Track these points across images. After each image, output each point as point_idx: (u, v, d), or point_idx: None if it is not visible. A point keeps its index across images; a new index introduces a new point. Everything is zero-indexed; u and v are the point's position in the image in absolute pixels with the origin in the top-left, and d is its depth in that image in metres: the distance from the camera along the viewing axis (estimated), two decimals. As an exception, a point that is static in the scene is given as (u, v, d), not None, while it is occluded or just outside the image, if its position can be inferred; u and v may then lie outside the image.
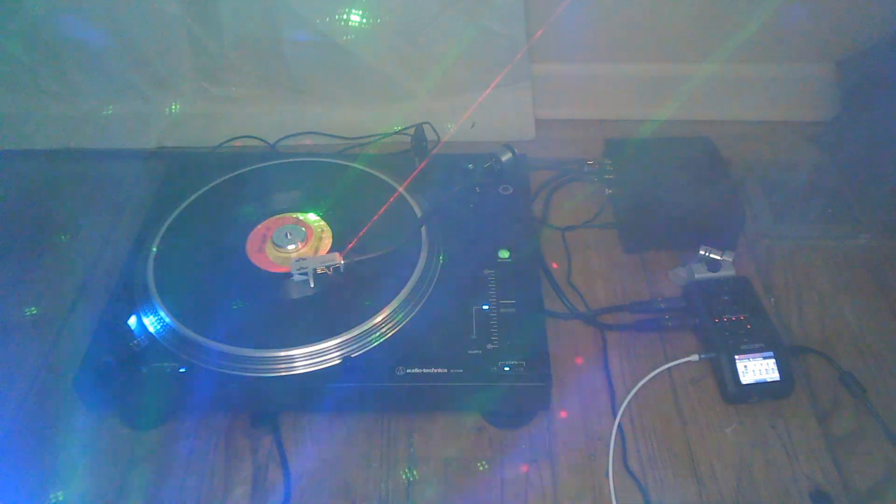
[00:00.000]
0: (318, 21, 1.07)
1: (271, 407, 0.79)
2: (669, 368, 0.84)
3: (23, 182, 1.12)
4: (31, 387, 0.84)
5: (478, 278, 0.83)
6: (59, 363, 0.86)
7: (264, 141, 1.14)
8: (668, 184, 0.97)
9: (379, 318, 0.77)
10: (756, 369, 0.80)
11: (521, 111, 1.18)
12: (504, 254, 0.86)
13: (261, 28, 1.08)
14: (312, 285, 0.80)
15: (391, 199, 0.91)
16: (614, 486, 0.74)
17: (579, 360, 0.86)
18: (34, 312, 0.92)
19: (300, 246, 0.85)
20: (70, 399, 0.78)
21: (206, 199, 0.93)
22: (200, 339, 0.75)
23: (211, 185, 0.94)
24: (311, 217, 0.89)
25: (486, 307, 0.80)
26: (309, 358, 0.74)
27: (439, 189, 0.93)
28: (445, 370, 0.74)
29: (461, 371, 0.74)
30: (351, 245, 0.83)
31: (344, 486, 0.75)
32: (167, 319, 0.77)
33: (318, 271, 0.81)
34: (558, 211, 1.05)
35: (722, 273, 0.90)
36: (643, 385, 0.83)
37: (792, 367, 0.81)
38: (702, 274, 0.91)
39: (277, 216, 0.90)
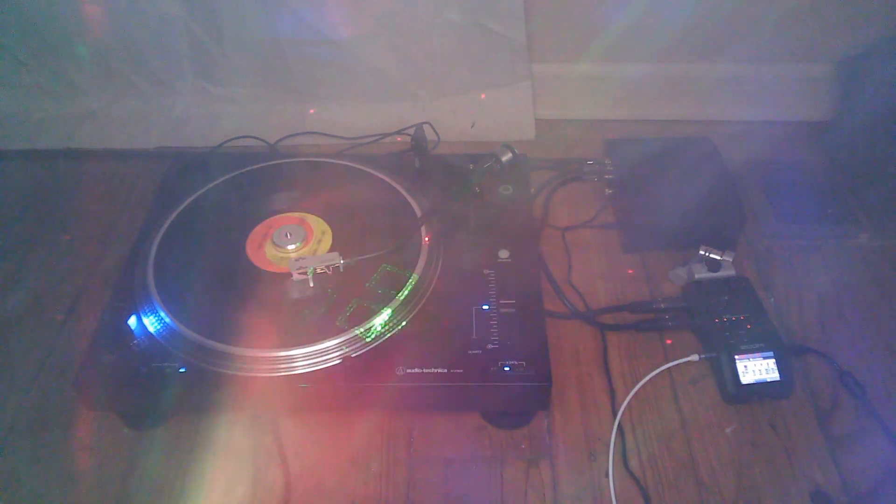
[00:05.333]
0: (318, 21, 1.07)
1: (271, 407, 0.79)
2: (669, 368, 0.84)
3: (23, 182, 1.12)
4: (31, 386, 0.84)
5: (478, 278, 0.83)
6: (59, 363, 0.86)
7: (264, 141, 1.14)
8: (668, 184, 0.98)
9: (379, 318, 0.77)
10: (756, 369, 0.80)
11: (521, 111, 1.18)
12: (504, 254, 0.86)
13: (261, 28, 1.08)
14: (312, 285, 0.80)
15: (391, 199, 0.91)
16: (614, 486, 0.74)
17: (579, 360, 0.86)
18: (34, 312, 0.92)
19: (300, 246, 0.85)
20: (70, 399, 0.78)
21: (206, 199, 0.93)
22: (200, 339, 0.75)
23: (211, 185, 0.94)
24: (311, 217, 0.89)
25: (486, 307, 0.80)
26: (309, 358, 0.74)
27: (439, 189, 0.93)
28: (445, 370, 0.74)
29: (461, 371, 0.74)
30: (350, 245, 0.84)
31: (344, 487, 0.75)
32: (167, 319, 0.77)
33: (318, 271, 0.81)
34: (558, 211, 1.05)
35: (722, 273, 0.90)
36: (643, 385, 0.83)
37: (792, 367, 0.81)
38: (702, 274, 0.90)
39: (277, 216, 0.90)
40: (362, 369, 0.74)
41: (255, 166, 0.98)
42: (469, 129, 1.17)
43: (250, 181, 0.96)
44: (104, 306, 0.81)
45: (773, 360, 0.80)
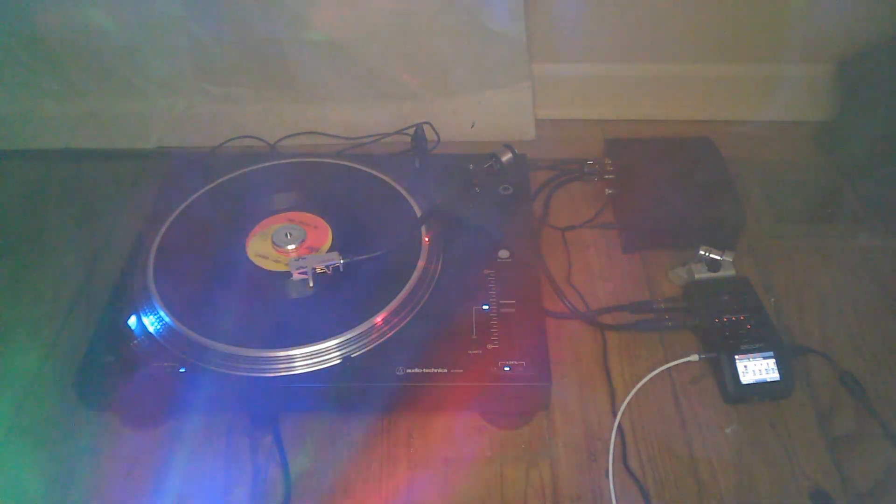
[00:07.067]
0: (318, 21, 1.07)
1: (271, 407, 0.79)
2: (669, 368, 0.84)
3: (23, 182, 1.12)
4: (31, 387, 0.84)
5: (478, 278, 0.83)
6: (59, 363, 0.86)
7: (264, 141, 1.14)
8: (668, 184, 0.97)
9: (379, 318, 0.77)
10: (756, 369, 0.80)
11: (521, 111, 1.17)
12: (504, 254, 0.86)
13: (261, 28, 1.08)
14: (312, 285, 0.80)
15: (391, 199, 0.91)
16: (614, 486, 0.74)
17: (579, 360, 0.86)
18: (34, 312, 0.92)
19: (300, 246, 0.85)
20: (70, 399, 0.78)
21: (206, 199, 0.93)
22: (200, 339, 0.75)
23: (211, 185, 0.94)
24: (311, 217, 0.89)
25: (486, 307, 0.80)
26: (309, 358, 0.74)
27: (439, 189, 0.93)
28: (445, 370, 0.74)
29: (461, 371, 0.74)
30: (350, 245, 0.84)
31: (344, 486, 0.75)
32: (167, 319, 0.77)
33: (318, 271, 0.81)
34: (558, 211, 1.05)
35: (722, 273, 0.90)
36: (643, 385, 0.83)
37: (792, 367, 0.81)
38: (702, 274, 0.90)
39: (277, 216, 0.90)
40: (362, 369, 0.74)
41: (255, 166, 0.98)
42: (469, 129, 1.17)
43: (250, 181, 0.96)
44: (104, 306, 0.81)
45: (773, 360, 0.80)
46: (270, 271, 0.83)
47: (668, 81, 1.18)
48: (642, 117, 1.21)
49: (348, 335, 0.75)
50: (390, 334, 0.77)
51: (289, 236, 0.85)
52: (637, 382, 0.83)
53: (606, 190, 1.05)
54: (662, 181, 0.98)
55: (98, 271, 0.97)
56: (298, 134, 1.15)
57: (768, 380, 0.80)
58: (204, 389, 0.74)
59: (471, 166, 0.95)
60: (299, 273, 0.81)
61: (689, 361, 0.84)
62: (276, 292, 0.81)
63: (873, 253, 0.99)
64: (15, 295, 0.94)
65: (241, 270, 0.83)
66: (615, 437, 0.78)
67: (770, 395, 0.81)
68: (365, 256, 0.82)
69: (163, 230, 0.87)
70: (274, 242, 0.85)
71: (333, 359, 0.74)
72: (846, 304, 0.92)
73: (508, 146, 0.94)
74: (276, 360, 0.74)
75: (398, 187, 0.93)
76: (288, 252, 0.84)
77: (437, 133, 1.11)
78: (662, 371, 0.84)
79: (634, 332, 0.88)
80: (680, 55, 1.15)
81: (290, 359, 0.74)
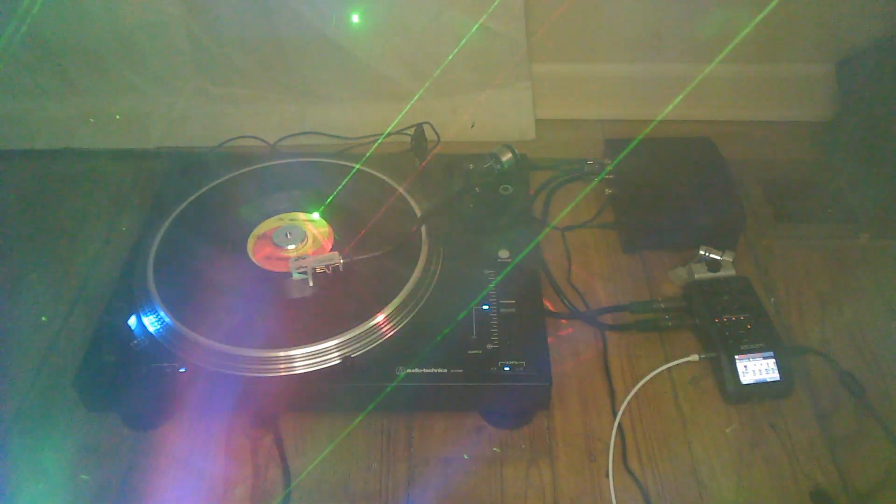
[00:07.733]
0: (318, 21, 1.07)
1: (271, 407, 0.79)
2: (669, 368, 0.84)
3: (23, 182, 1.12)
4: (31, 387, 0.84)
5: (478, 278, 0.83)
6: (59, 363, 0.86)
7: (264, 141, 1.14)
8: (668, 184, 0.98)
9: (379, 318, 0.77)
10: (756, 369, 0.80)
11: (521, 111, 1.18)
12: (504, 254, 0.86)
13: (261, 28, 1.08)
14: (312, 285, 0.80)
15: (391, 199, 0.91)
16: (614, 486, 0.74)
17: (579, 360, 0.86)
18: (34, 313, 0.92)
19: (300, 246, 0.85)
20: (70, 399, 0.78)
21: (205, 199, 0.93)
22: (200, 339, 0.75)
23: (211, 185, 0.94)
24: (311, 217, 0.89)
25: (486, 307, 0.80)
26: (309, 358, 0.74)
27: (439, 189, 0.93)
28: (445, 370, 0.74)
29: (461, 371, 0.74)
30: (350, 245, 0.84)
31: (344, 486, 0.75)
32: (167, 319, 0.77)
33: (318, 271, 0.81)
34: (558, 211, 1.05)
35: (722, 273, 0.90)
36: (643, 385, 0.83)
37: (792, 367, 0.81)
38: (702, 274, 0.90)
39: (277, 216, 0.90)
40: (362, 369, 0.74)
41: (255, 166, 0.98)
42: (469, 129, 1.17)
43: (250, 181, 0.96)
44: (104, 306, 0.81)
45: (773, 360, 0.80)
46: (270, 271, 0.83)
47: (668, 81, 1.18)
48: (642, 117, 1.20)
49: (348, 335, 0.75)
50: (390, 334, 0.77)
51: (289, 236, 0.85)
52: (637, 382, 0.83)
53: (606, 190, 1.05)
54: (662, 181, 0.98)
55: (98, 271, 0.97)
56: (298, 134, 1.16)
57: (768, 380, 0.80)
58: (204, 389, 0.74)
59: (471, 166, 0.95)
60: (299, 273, 0.81)
61: (689, 361, 0.84)
62: (276, 292, 0.81)
63: (873, 253, 0.99)
64: (15, 295, 0.94)
65: (241, 270, 0.83)
66: (615, 437, 0.78)
67: (770, 394, 0.81)
68: (365, 256, 0.82)
69: (163, 230, 0.87)
70: (274, 242, 0.85)
71: (333, 359, 0.74)
72: (846, 304, 0.92)
73: (508, 146, 0.94)
74: (276, 360, 0.74)
75: (398, 187, 0.93)
76: (288, 252, 0.84)
77: (437, 133, 1.11)
78: (662, 371, 0.84)
79: (634, 332, 0.88)
80: (680, 55, 1.15)
81: (290, 359, 0.74)
